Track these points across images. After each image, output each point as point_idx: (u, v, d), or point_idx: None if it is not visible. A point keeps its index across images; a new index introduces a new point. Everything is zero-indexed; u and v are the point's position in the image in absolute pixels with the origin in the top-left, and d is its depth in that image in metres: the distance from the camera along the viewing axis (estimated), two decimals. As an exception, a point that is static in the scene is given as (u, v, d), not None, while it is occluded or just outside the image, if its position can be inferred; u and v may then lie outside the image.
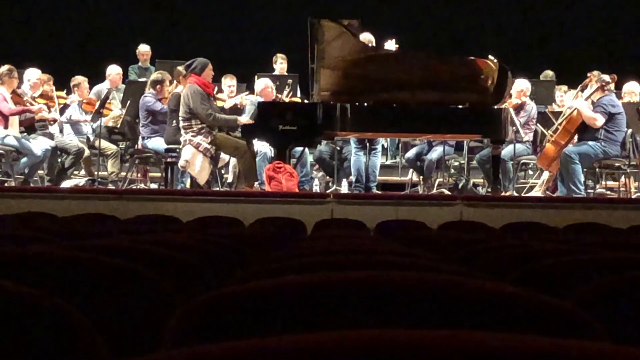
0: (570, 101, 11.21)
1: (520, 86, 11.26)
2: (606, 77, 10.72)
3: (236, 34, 16.42)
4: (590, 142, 10.48)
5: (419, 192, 11.47)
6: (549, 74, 12.03)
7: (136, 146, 11.48)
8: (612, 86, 10.78)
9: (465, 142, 11.53)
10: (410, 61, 10.17)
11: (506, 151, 10.90)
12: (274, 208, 8.85)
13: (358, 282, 1.64)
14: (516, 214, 8.69)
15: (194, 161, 10.05)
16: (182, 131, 10.16)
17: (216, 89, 11.20)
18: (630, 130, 10.86)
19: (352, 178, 11.10)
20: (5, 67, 10.77)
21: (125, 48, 13.90)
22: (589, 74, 11.61)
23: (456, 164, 11.95)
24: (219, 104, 11.04)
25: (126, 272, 2.16)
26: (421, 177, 11.70)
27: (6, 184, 10.51)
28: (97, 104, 11.39)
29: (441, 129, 10.20)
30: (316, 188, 11.46)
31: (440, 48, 14.44)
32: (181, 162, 10.14)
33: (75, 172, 11.64)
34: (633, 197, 10.80)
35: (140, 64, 13.48)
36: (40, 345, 1.62)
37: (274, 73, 12.69)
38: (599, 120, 10.38)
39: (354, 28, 10.33)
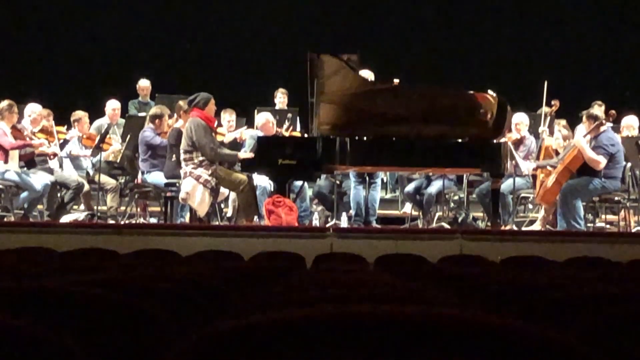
0: (546, 135, 11.31)
1: (517, 120, 11.28)
2: (598, 112, 10.74)
3: (236, 68, 16.47)
4: (590, 178, 10.46)
5: (418, 226, 11.46)
6: (545, 109, 12.07)
7: (136, 180, 11.49)
8: (603, 120, 10.73)
9: (464, 176, 11.54)
10: (409, 95, 10.20)
11: (506, 185, 10.90)
12: (274, 242, 8.84)
13: (358, 317, 1.64)
14: (516, 248, 8.67)
15: (195, 193, 10.05)
16: (183, 163, 10.17)
17: (215, 123, 11.22)
18: (629, 164, 10.86)
19: (352, 212, 11.10)
20: (6, 102, 10.80)
21: (126, 83, 13.94)
22: (554, 102, 11.69)
23: (456, 197, 11.94)
24: (219, 138, 11.06)
25: (126, 307, 2.15)
26: (420, 211, 11.69)
27: (5, 219, 10.51)
28: (97, 138, 11.40)
29: (441, 163, 10.21)
30: (316, 222, 11.45)
31: (440, 82, 14.46)
32: (182, 194, 10.14)
33: (75, 207, 11.63)
34: (633, 231, 10.78)
35: (140, 98, 13.52)
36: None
37: (274, 107, 12.73)
38: (603, 162, 10.34)
39: (353, 63, 10.37)
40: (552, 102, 11.73)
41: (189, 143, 10.09)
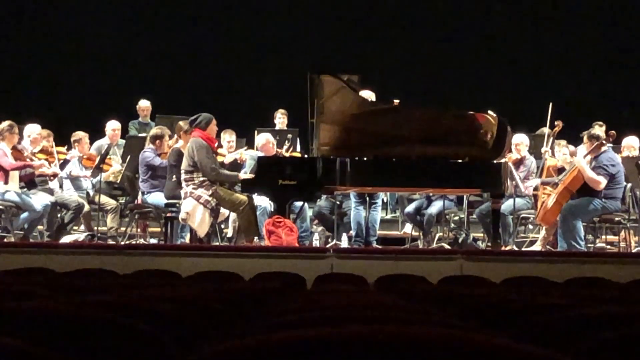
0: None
1: (517, 140, 11.29)
2: (600, 133, 10.74)
3: (236, 89, 16.50)
4: (590, 198, 10.46)
5: (419, 247, 11.45)
6: (544, 130, 12.09)
7: (136, 201, 11.48)
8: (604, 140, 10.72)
9: (465, 197, 11.53)
10: (409, 116, 10.21)
11: (506, 205, 10.90)
12: (274, 263, 8.83)
13: (358, 337, 1.64)
14: (516, 269, 8.66)
15: (195, 213, 10.05)
16: (184, 184, 10.17)
17: (216, 144, 11.23)
18: (629, 185, 10.86)
19: (352, 232, 11.09)
20: (6, 123, 10.81)
21: (126, 103, 13.96)
22: (557, 122, 11.68)
23: (456, 218, 11.93)
24: (219, 159, 11.06)
25: (126, 328, 2.15)
26: (421, 231, 11.68)
27: (5, 239, 10.50)
28: (97, 159, 11.41)
29: (441, 184, 10.20)
30: (316, 243, 11.44)
31: (441, 102, 14.49)
32: (182, 215, 10.14)
33: (75, 228, 11.62)
34: (633, 251, 10.78)
35: (140, 119, 13.53)
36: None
37: (274, 128, 12.74)
38: (603, 182, 10.35)
39: (353, 83, 10.38)
40: (556, 123, 11.72)
41: (190, 163, 10.10)
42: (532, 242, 11.37)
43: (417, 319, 2.30)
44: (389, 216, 13.34)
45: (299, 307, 3.01)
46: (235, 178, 10.38)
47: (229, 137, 11.97)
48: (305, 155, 11.52)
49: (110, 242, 11.04)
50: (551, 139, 11.81)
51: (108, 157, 11.64)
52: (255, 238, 10.24)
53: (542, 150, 11.64)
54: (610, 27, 16.88)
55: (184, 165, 10.17)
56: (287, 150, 11.97)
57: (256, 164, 10.40)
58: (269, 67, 16.56)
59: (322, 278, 7.11)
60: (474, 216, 11.47)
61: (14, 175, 10.72)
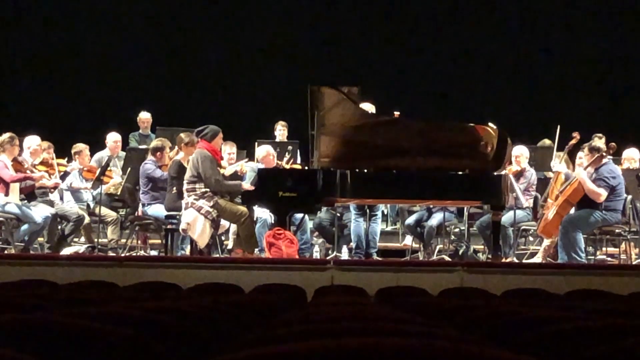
0: (558, 165, 11.26)
1: (517, 152, 11.28)
2: (601, 145, 10.73)
3: (236, 101, 16.52)
4: (590, 210, 10.45)
5: (419, 259, 11.44)
6: (546, 142, 12.07)
7: (136, 213, 11.48)
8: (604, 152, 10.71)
9: (465, 209, 11.53)
10: (410, 128, 10.21)
11: (506, 217, 10.90)
12: (274, 275, 8.82)
13: (358, 350, 1.64)
14: (517, 281, 8.66)
15: (195, 224, 10.05)
16: (185, 194, 10.18)
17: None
18: (630, 197, 10.86)
19: (352, 244, 11.08)
20: (7, 135, 10.82)
21: (126, 115, 13.97)
22: (574, 134, 11.63)
23: (456, 230, 11.92)
24: (220, 171, 11.07)
25: (126, 340, 2.15)
26: (421, 243, 11.68)
27: (6, 251, 10.49)
28: (98, 171, 11.42)
29: (441, 195, 10.20)
30: (316, 255, 11.43)
31: (442, 114, 14.51)
32: (182, 225, 10.14)
33: (75, 239, 11.62)
34: (634, 263, 10.77)
35: (141, 131, 13.53)
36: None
37: (274, 140, 12.75)
38: (603, 194, 10.34)
39: (354, 95, 10.38)
40: (573, 134, 11.63)
41: (194, 174, 10.10)
42: (533, 254, 11.36)
43: (417, 331, 2.30)
44: (389, 228, 13.33)
45: (299, 319, 3.01)
46: (239, 187, 10.38)
47: (229, 149, 11.97)
48: (306, 167, 11.52)
49: (111, 253, 11.04)
50: (561, 153, 11.74)
51: (108, 169, 11.65)
52: (256, 250, 10.25)
53: (552, 164, 11.60)
54: (614, 36, 16.89)
55: (187, 175, 10.18)
56: (287, 162, 11.97)
57: (256, 176, 10.40)
58: (269, 78, 16.58)
59: (323, 290, 7.11)
60: (474, 228, 11.46)
61: (15, 187, 10.72)
